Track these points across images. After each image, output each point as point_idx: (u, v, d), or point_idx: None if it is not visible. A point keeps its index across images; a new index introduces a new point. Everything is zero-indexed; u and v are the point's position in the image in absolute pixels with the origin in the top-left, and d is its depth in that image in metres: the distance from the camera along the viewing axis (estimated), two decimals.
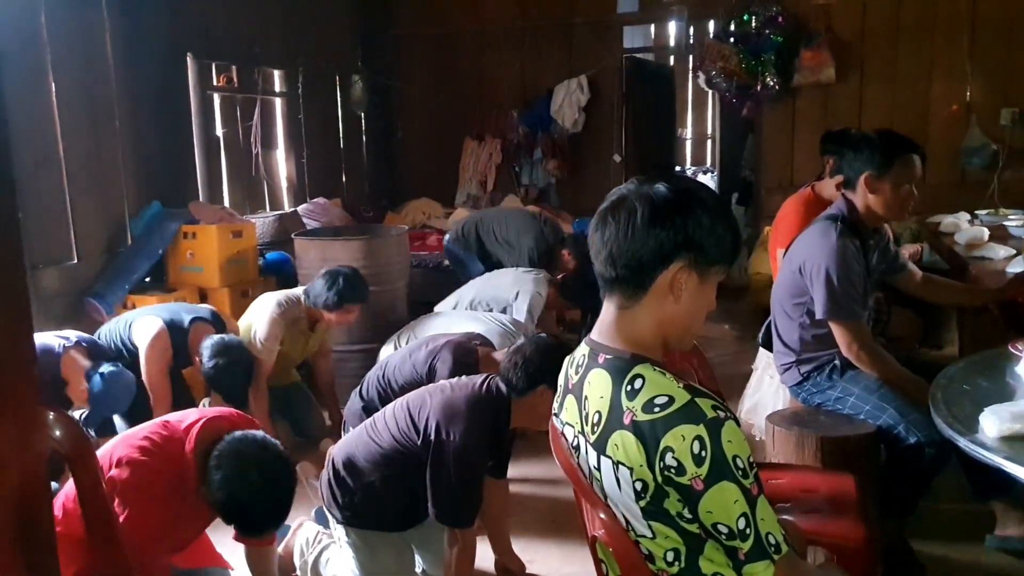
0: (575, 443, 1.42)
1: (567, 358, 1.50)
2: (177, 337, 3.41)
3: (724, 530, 1.22)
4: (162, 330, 3.35)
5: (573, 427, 1.42)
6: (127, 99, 4.45)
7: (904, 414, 2.36)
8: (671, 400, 1.23)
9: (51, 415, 1.66)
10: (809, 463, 2.38)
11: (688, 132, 11.70)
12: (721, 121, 9.46)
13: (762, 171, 6.47)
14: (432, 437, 2.25)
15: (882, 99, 5.80)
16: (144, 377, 3.32)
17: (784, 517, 1.29)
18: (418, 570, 2.55)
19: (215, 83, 5.39)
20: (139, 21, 4.52)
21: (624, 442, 1.26)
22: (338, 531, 2.46)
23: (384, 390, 3.05)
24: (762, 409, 3.29)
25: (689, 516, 1.26)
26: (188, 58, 4.97)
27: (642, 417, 1.24)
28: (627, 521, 1.34)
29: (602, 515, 1.37)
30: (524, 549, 2.81)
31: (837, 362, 2.55)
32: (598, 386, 1.33)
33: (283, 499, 2.11)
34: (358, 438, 2.43)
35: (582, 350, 1.43)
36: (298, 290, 3.77)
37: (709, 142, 11.33)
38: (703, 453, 1.19)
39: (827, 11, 5.83)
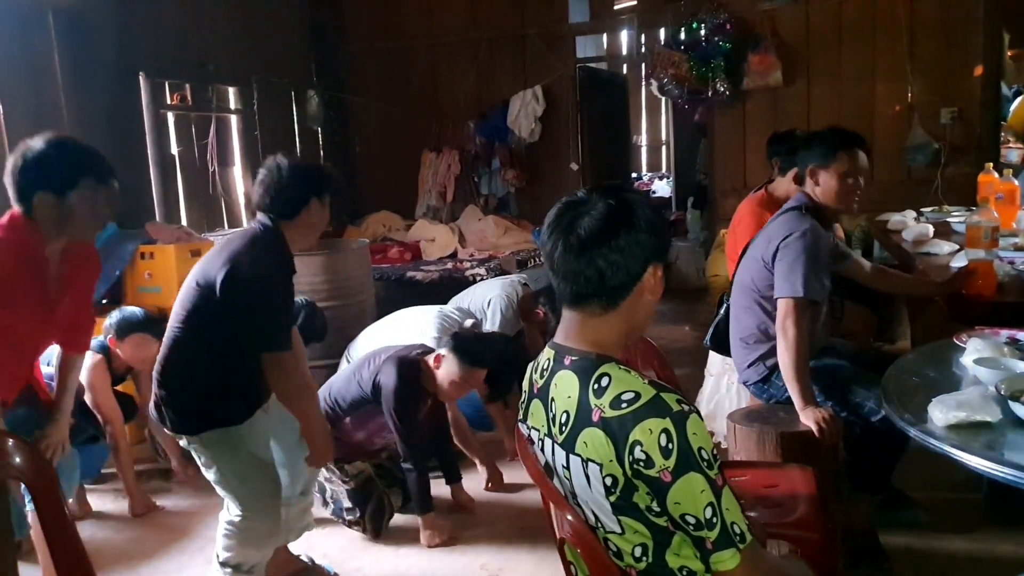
0: (542, 446, 1.45)
1: (531, 364, 1.53)
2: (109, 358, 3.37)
3: (692, 520, 1.26)
4: (99, 361, 3.30)
5: (539, 430, 1.45)
6: (78, 122, 4.36)
7: (871, 388, 2.40)
8: (637, 395, 1.27)
9: (11, 442, 1.64)
10: (770, 459, 2.44)
11: (643, 139, 11.88)
12: (674, 127, 9.63)
13: (715, 175, 6.60)
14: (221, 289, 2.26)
15: (828, 100, 5.96)
16: (94, 406, 3.28)
17: (747, 513, 1.33)
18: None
19: (168, 102, 5.33)
20: (88, 42, 4.45)
21: (593, 439, 1.29)
22: (193, 451, 2.39)
23: (332, 410, 3.07)
24: (721, 413, 3.36)
25: (658, 509, 1.29)
26: (140, 77, 4.91)
27: (610, 413, 1.28)
28: (596, 518, 1.37)
29: (569, 517, 1.40)
30: (495, 556, 2.83)
31: (783, 354, 2.53)
32: (565, 387, 1.37)
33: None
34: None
35: (546, 354, 1.46)
36: None
37: (664, 148, 11.51)
38: (670, 446, 1.23)
39: (772, 16, 5.98)
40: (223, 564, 2.42)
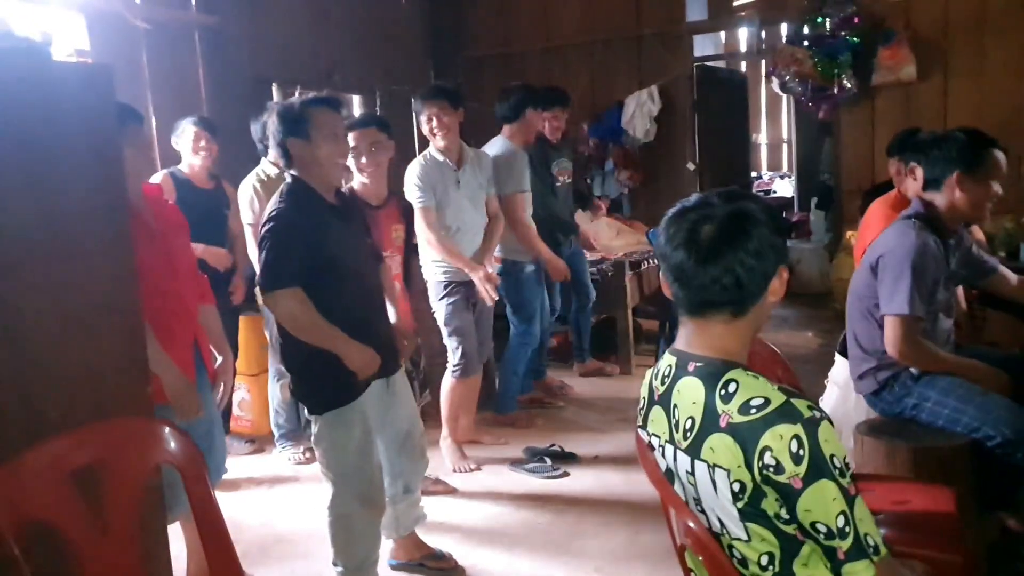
0: (663, 451, 1.44)
1: (649, 371, 1.53)
2: None
3: (823, 529, 1.23)
4: None
5: (660, 436, 1.44)
6: (218, 127, 4.68)
7: (987, 411, 2.28)
8: (767, 401, 1.26)
9: (167, 430, 1.79)
10: (901, 474, 2.32)
11: (763, 137, 11.50)
12: (797, 125, 9.27)
13: (841, 175, 6.31)
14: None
15: (969, 96, 5.58)
16: None
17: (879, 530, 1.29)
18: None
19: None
20: (227, 56, 4.78)
21: (721, 444, 1.28)
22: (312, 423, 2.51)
23: None
24: (847, 426, 3.21)
25: (786, 516, 1.27)
26: (272, 87, 5.22)
27: (738, 419, 1.27)
28: (722, 524, 1.36)
29: (691, 523, 1.39)
30: (609, 561, 2.82)
31: (914, 368, 2.48)
32: (690, 393, 1.36)
33: None
34: None
35: (667, 361, 1.45)
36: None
37: (785, 146, 11.11)
38: (801, 452, 1.22)
39: (906, 7, 5.66)
40: (334, 563, 2.56)
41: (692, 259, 1.32)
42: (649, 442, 1.50)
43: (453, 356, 3.71)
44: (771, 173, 11.45)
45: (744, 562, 1.35)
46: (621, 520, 3.13)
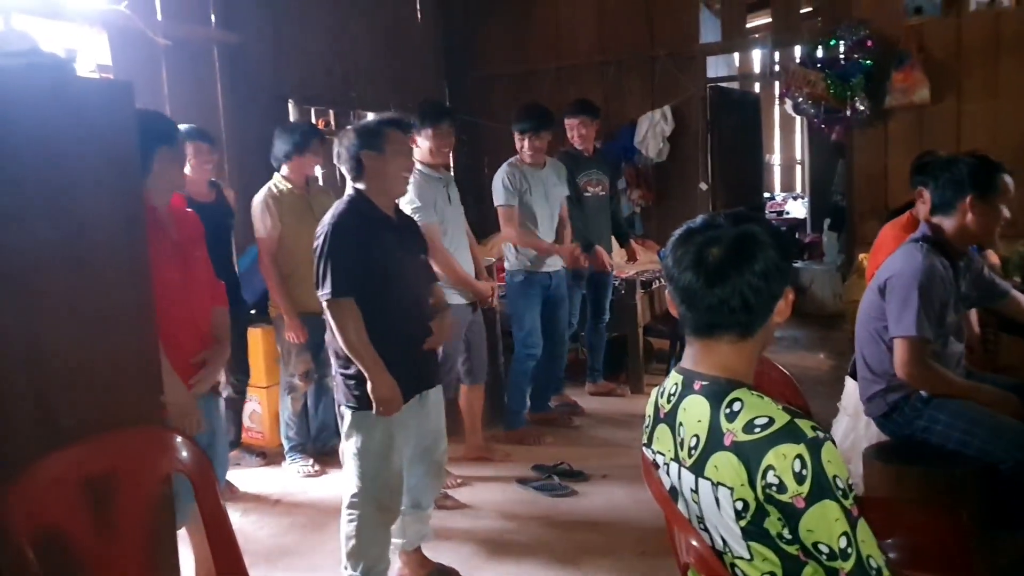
0: (667, 469, 1.45)
1: (655, 389, 1.54)
2: None
3: (825, 550, 1.23)
4: None
5: (665, 454, 1.45)
6: (235, 144, 4.76)
7: (998, 434, 2.28)
8: (771, 421, 1.27)
9: (178, 439, 1.82)
10: (910, 498, 2.31)
11: (776, 158, 11.51)
12: (810, 146, 9.28)
13: (854, 196, 6.30)
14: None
15: (982, 119, 5.57)
16: None
17: (888, 555, 1.29)
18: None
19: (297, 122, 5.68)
20: (246, 72, 4.85)
21: (724, 463, 1.29)
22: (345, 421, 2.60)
23: None
24: (857, 452, 3.19)
25: (789, 537, 1.27)
26: (289, 104, 5.28)
27: (743, 438, 1.28)
28: (725, 543, 1.36)
29: (694, 542, 1.40)
30: None
31: (923, 391, 2.47)
32: (695, 411, 1.37)
33: None
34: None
35: (673, 379, 1.47)
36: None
37: (798, 167, 11.11)
38: (804, 472, 1.22)
39: (919, 30, 5.67)
40: (344, 567, 2.58)
41: (700, 281, 1.34)
42: (654, 460, 1.51)
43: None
44: (784, 194, 11.44)
45: None
46: (629, 539, 3.12)
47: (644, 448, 1.55)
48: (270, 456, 4.14)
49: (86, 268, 1.80)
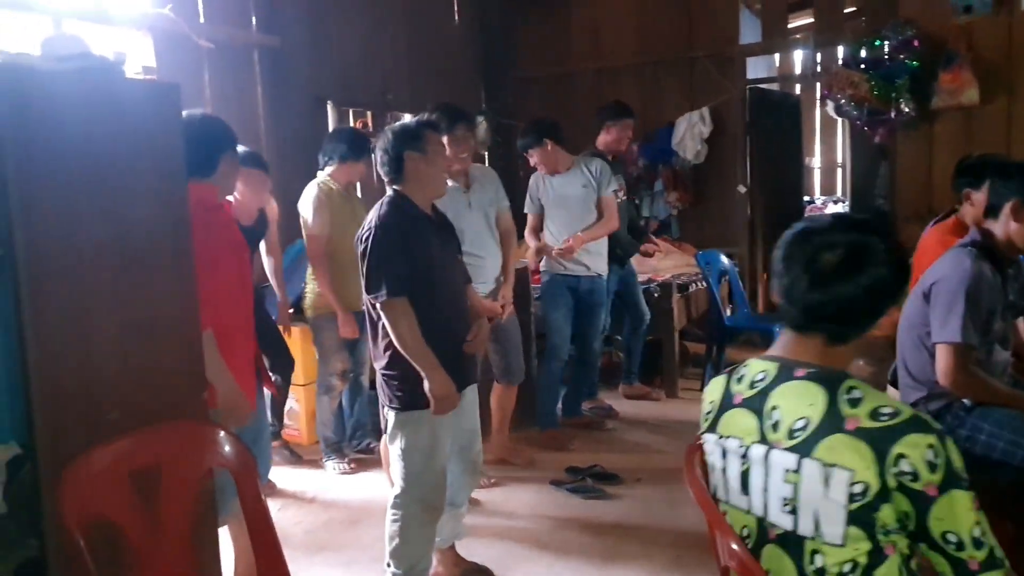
0: (746, 452, 1.43)
1: (719, 378, 1.54)
2: None
3: (953, 539, 1.26)
4: None
5: (743, 438, 1.44)
6: (275, 145, 4.83)
7: None
8: (898, 412, 1.30)
9: (221, 434, 1.85)
10: None
11: (816, 161, 11.33)
12: (852, 148, 9.10)
13: (897, 200, 6.18)
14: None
15: None
16: None
17: None
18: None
19: (352, 127, 5.75)
20: (285, 75, 4.92)
21: (846, 446, 1.30)
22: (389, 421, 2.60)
23: None
24: None
25: (895, 526, 1.29)
26: (328, 105, 5.35)
27: (869, 424, 1.30)
28: (816, 527, 1.35)
29: (733, 545, 1.38)
30: None
31: (966, 399, 2.42)
32: (803, 395, 1.37)
33: None
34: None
35: (760, 367, 1.46)
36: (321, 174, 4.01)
37: (839, 170, 10.92)
38: (936, 460, 1.26)
39: (968, 30, 5.54)
40: (387, 564, 2.59)
41: (805, 282, 1.37)
42: (719, 446, 1.49)
43: None
44: (824, 197, 11.24)
45: (821, 572, 1.35)
46: (663, 542, 3.10)
47: (706, 435, 1.53)
48: (304, 455, 4.20)
49: (133, 268, 1.84)
